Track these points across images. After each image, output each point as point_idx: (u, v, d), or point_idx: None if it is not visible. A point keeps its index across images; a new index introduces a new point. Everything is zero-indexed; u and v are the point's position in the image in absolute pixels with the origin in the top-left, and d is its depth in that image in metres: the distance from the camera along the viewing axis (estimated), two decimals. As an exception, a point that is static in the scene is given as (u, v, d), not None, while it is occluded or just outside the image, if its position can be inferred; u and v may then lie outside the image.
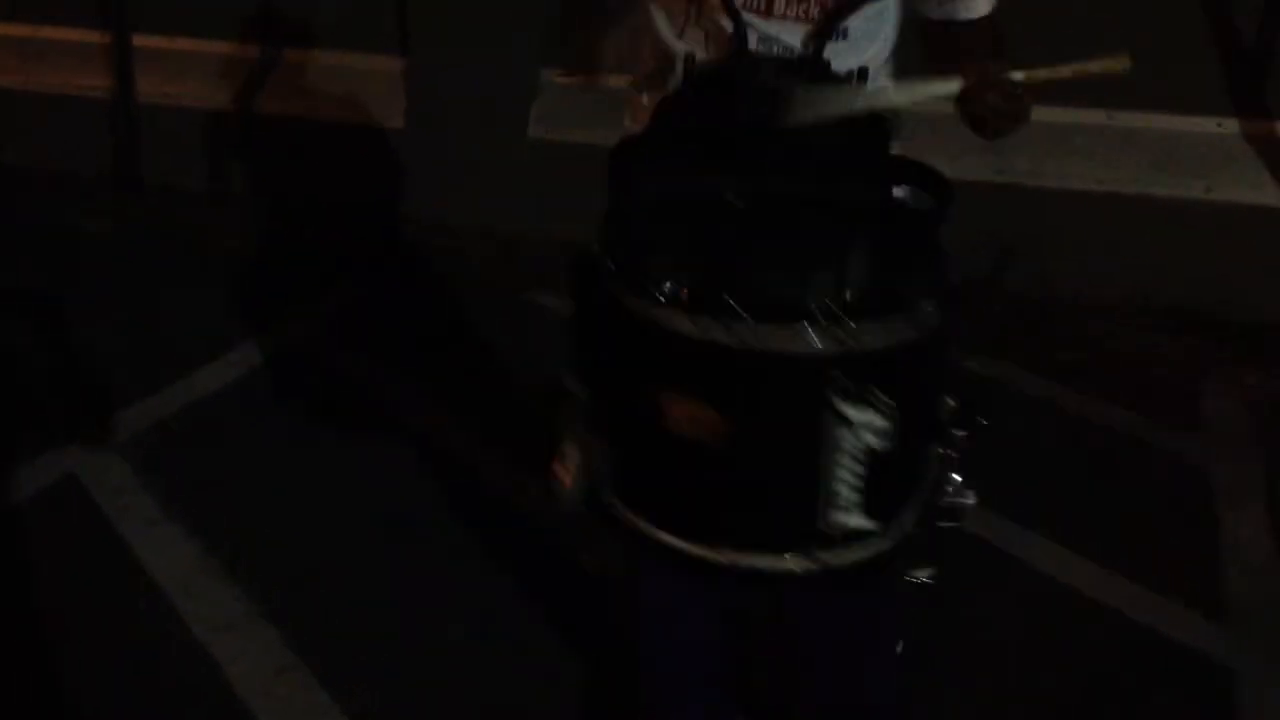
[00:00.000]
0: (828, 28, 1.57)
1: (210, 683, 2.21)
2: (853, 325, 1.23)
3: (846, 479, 1.28)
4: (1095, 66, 1.45)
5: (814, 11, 1.57)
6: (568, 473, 1.39)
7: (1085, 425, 3.12)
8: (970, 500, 1.41)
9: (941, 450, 1.40)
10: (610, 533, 1.39)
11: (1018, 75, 1.48)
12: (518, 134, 4.34)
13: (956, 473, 1.41)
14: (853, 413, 1.25)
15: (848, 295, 1.24)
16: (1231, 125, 3.82)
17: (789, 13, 1.57)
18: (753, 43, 1.58)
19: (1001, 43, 1.64)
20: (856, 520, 1.30)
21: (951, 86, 1.47)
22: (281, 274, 4.03)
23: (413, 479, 2.86)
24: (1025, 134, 1.58)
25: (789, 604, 1.71)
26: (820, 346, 1.23)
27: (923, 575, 1.40)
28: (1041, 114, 1.58)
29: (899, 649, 1.73)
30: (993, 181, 3.70)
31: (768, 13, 1.57)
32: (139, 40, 4.71)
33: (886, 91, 1.55)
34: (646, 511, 1.36)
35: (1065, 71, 1.46)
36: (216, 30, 4.63)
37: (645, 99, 1.66)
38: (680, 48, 1.62)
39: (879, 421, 1.26)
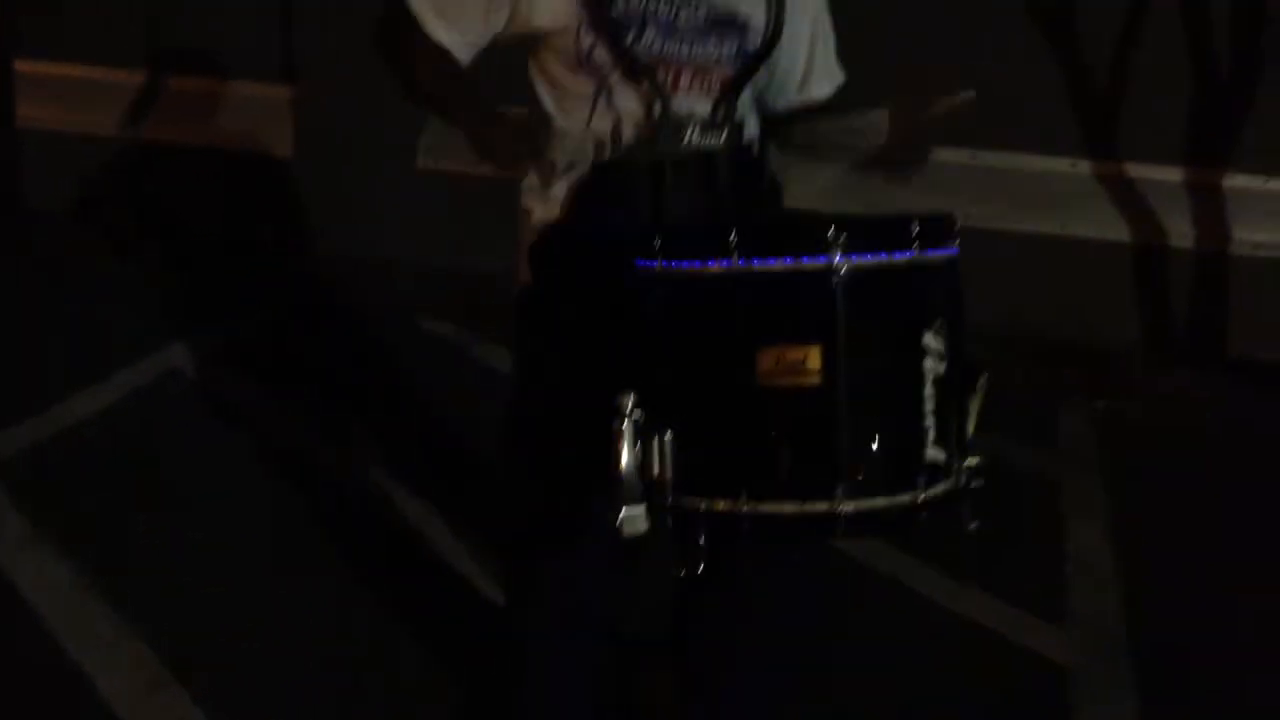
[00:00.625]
0: (729, 99, 1.72)
1: (84, 700, 2.21)
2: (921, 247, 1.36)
3: (930, 409, 1.37)
4: (948, 104, 1.65)
5: (714, 86, 1.71)
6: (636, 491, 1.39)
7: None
8: (982, 459, 1.48)
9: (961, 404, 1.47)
10: (687, 532, 1.41)
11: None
12: (407, 164, 4.39)
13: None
14: (930, 339, 1.37)
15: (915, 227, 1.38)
16: (1084, 166, 4.05)
17: (694, 87, 1.70)
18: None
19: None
20: (935, 451, 1.38)
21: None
22: (165, 301, 4.02)
23: (296, 503, 2.87)
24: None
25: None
26: (909, 262, 1.35)
27: (971, 526, 1.46)
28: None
29: None
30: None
31: (675, 89, 1.69)
32: (23, 66, 4.66)
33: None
34: (745, 488, 1.36)
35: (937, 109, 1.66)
36: (103, 57, 4.61)
37: (555, 186, 1.72)
38: (588, 134, 1.69)
39: (942, 346, 1.37)
